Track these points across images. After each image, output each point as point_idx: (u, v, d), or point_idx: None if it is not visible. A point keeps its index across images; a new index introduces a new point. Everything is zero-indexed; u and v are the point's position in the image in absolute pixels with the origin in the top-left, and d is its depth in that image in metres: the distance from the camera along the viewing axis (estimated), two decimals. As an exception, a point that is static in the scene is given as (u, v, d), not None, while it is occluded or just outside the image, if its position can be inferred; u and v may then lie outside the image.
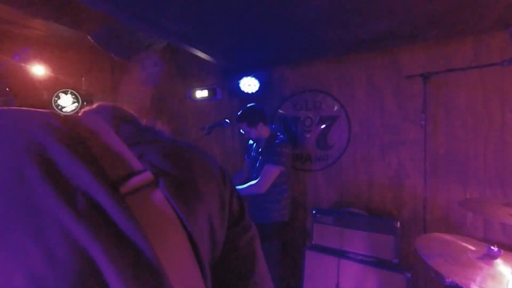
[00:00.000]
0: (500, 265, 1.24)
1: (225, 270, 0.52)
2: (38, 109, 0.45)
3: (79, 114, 0.51)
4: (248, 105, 2.30)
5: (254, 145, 2.41)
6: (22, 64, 2.65)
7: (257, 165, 2.30)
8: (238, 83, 2.78)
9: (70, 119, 0.46)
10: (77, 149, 0.38)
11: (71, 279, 0.31)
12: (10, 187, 0.34)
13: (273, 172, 2.12)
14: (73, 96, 3.15)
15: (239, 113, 2.24)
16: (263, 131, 2.26)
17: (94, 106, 0.54)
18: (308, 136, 2.67)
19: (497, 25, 1.77)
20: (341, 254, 2.06)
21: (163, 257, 0.36)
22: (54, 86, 3.02)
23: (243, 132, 2.30)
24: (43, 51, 2.87)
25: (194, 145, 0.53)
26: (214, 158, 0.55)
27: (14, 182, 0.34)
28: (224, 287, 0.51)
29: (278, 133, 2.32)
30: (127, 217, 0.36)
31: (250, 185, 2.14)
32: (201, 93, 3.12)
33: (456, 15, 1.64)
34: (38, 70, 2.77)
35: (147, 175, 0.40)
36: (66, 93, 3.12)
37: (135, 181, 0.39)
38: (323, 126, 2.59)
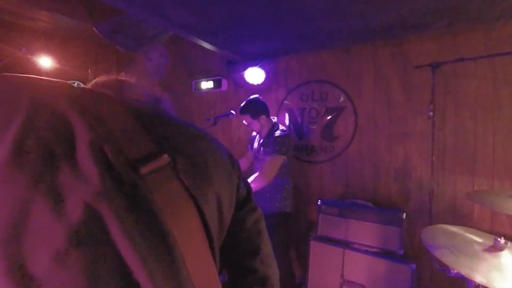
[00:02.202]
0: (506, 257, 1.24)
1: (233, 249, 0.55)
2: (58, 80, 0.46)
3: (90, 87, 0.51)
4: (251, 97, 2.30)
5: (257, 136, 2.42)
6: (29, 56, 2.67)
7: (260, 156, 2.32)
8: (243, 74, 2.76)
9: (86, 92, 0.47)
10: (97, 128, 0.39)
11: (86, 247, 0.32)
12: (35, 163, 0.34)
13: (275, 161, 2.14)
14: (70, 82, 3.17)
15: (242, 105, 2.25)
16: (266, 123, 2.27)
17: (100, 79, 0.54)
18: (313, 127, 2.65)
19: (509, 14, 1.72)
20: (346, 244, 2.07)
21: (177, 234, 0.38)
22: (61, 78, 3.04)
23: (245, 123, 2.31)
24: (49, 43, 2.88)
25: (204, 130, 0.54)
26: (223, 144, 0.56)
27: (39, 156, 0.35)
28: (232, 265, 0.54)
29: (280, 125, 2.32)
30: (146, 197, 0.37)
31: (255, 178, 2.14)
32: (207, 84, 3.12)
33: (467, 3, 1.60)
34: (45, 62, 2.79)
35: (165, 157, 0.42)
36: (72, 84, 3.14)
37: (153, 162, 0.40)
38: (329, 117, 2.57)
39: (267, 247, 0.60)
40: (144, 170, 0.39)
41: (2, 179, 0.32)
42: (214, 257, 0.43)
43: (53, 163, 0.35)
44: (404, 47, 2.21)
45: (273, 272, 0.60)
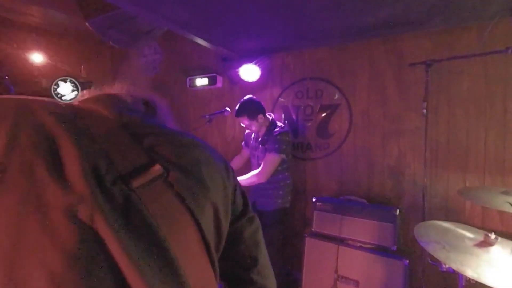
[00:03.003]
0: (497, 252, 1.26)
1: (230, 260, 0.54)
2: (41, 97, 0.45)
3: (77, 103, 0.50)
4: (245, 98, 2.27)
5: (253, 133, 2.41)
6: (20, 52, 2.63)
7: (258, 153, 2.32)
8: (238, 71, 2.75)
9: (73, 109, 0.45)
10: (85, 144, 0.38)
11: (83, 266, 0.31)
12: (19, 182, 0.33)
13: (274, 160, 2.14)
14: (73, 84, 3.13)
15: (237, 107, 2.21)
16: (264, 122, 2.26)
17: (91, 94, 0.52)
18: (308, 124, 2.66)
19: (503, 12, 1.74)
20: (340, 241, 2.09)
21: (175, 246, 0.37)
22: (53, 74, 3.00)
23: (243, 125, 2.29)
24: (41, 39, 2.84)
25: (199, 138, 0.53)
26: (218, 152, 0.55)
27: (23, 177, 0.33)
28: (229, 275, 0.54)
29: (278, 122, 2.32)
30: (140, 210, 0.36)
31: (253, 175, 2.16)
32: (201, 81, 3.11)
33: (461, 2, 1.61)
34: (37, 57, 2.75)
35: (157, 168, 0.41)
36: (65, 81, 3.10)
37: (145, 174, 0.39)
38: (324, 114, 2.58)
39: (264, 258, 0.60)
40: (136, 183, 0.38)
41: None
42: (213, 268, 0.43)
43: (40, 184, 0.33)
44: (399, 44, 2.22)
45: (271, 283, 0.60)
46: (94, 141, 0.40)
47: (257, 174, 2.15)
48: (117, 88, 0.55)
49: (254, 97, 2.30)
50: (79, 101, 0.51)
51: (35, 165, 0.34)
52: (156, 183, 0.40)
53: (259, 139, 2.30)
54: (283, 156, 2.16)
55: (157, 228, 0.36)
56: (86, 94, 0.53)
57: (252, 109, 2.20)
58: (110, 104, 0.50)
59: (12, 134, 0.35)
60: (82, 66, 3.18)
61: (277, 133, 2.18)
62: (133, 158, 0.40)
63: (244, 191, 0.60)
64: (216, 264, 0.44)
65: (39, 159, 0.35)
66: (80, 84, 3.11)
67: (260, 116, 2.21)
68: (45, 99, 0.45)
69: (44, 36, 2.86)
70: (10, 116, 0.38)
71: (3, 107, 0.40)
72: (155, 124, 0.50)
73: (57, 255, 0.30)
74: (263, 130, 2.28)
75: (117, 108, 0.50)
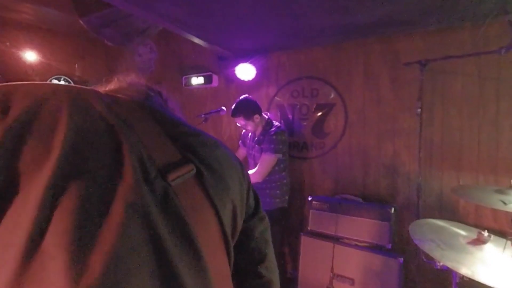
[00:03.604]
0: (490, 249, 1.28)
1: (242, 256, 0.58)
2: (85, 87, 0.46)
3: (108, 92, 0.52)
4: (241, 98, 2.26)
5: (250, 132, 2.41)
6: (13, 50, 2.59)
7: (254, 153, 2.31)
8: (234, 70, 2.74)
9: (112, 98, 0.47)
10: (130, 135, 0.41)
11: (133, 245, 0.34)
12: (85, 169, 0.35)
13: (270, 160, 2.14)
14: (67, 83, 3.10)
15: (233, 107, 2.21)
16: (260, 121, 2.26)
17: (117, 85, 0.55)
18: (304, 124, 2.67)
19: (496, 12, 1.75)
20: (336, 239, 2.10)
21: (202, 240, 0.40)
22: (47, 73, 2.96)
23: (239, 125, 2.28)
24: (34, 37, 2.80)
25: (220, 141, 0.57)
26: (233, 152, 0.59)
27: (87, 165, 0.35)
28: (238, 269, 0.57)
29: (274, 121, 2.32)
30: (175, 203, 0.40)
31: (250, 175, 2.16)
32: (197, 80, 3.09)
33: (455, 2, 1.62)
34: (30, 56, 2.71)
35: (190, 166, 0.44)
36: (59, 79, 3.07)
37: (179, 170, 0.43)
38: (319, 113, 2.59)
39: (271, 254, 0.64)
40: (171, 177, 0.41)
41: (55, 189, 0.32)
42: (229, 260, 0.47)
43: (103, 171, 0.36)
44: (394, 44, 2.23)
45: (276, 277, 0.64)
46: (134, 132, 0.42)
47: (253, 174, 2.15)
48: (133, 78, 0.58)
49: (250, 96, 2.30)
50: (110, 90, 0.54)
51: (100, 156, 0.37)
52: (188, 179, 0.43)
53: (256, 138, 2.30)
54: (279, 155, 2.16)
55: (188, 220, 0.40)
56: (114, 83, 0.56)
57: (248, 109, 2.19)
58: (137, 95, 0.53)
59: (74, 122, 0.37)
60: (76, 65, 3.14)
61: (273, 132, 2.17)
62: (169, 154, 0.44)
63: (255, 191, 0.64)
64: (232, 257, 0.48)
65: (103, 150, 0.37)
66: (74, 83, 3.08)
67: (256, 116, 2.21)
68: (87, 87, 0.47)
69: (37, 34, 2.82)
70: (66, 103, 0.39)
71: (60, 92, 0.40)
72: (181, 120, 0.54)
73: (112, 239, 0.33)
74: (260, 129, 2.27)
75: (144, 99, 0.53)
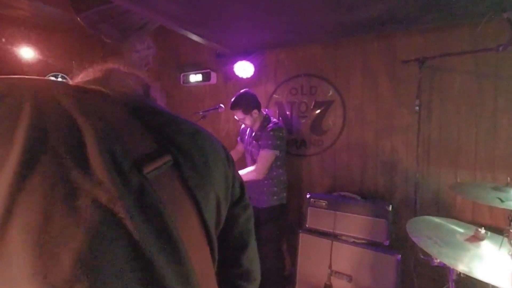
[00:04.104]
0: (486, 246, 1.29)
1: (223, 244, 0.56)
2: (55, 80, 0.45)
3: (84, 84, 0.50)
4: (242, 91, 2.26)
5: (248, 129, 2.41)
6: (9, 47, 2.56)
7: (251, 148, 2.31)
8: (232, 67, 2.73)
9: (84, 91, 0.46)
10: (101, 128, 0.39)
11: (105, 245, 0.33)
12: (49, 167, 0.34)
13: (268, 156, 2.14)
14: (64, 80, 3.08)
15: (233, 100, 2.20)
16: (258, 117, 2.25)
17: (95, 75, 0.53)
18: (303, 121, 2.66)
19: (494, 10, 1.75)
20: (334, 236, 2.11)
21: (181, 232, 0.40)
22: (43, 70, 2.94)
23: (237, 119, 2.28)
24: (30, 33, 2.77)
25: (200, 126, 0.54)
26: (218, 140, 0.57)
27: (53, 163, 0.34)
28: (223, 258, 0.56)
29: (272, 118, 2.31)
30: (152, 196, 0.39)
31: (249, 172, 2.15)
32: (195, 77, 3.08)
33: (453, -1, 1.62)
34: (26, 52, 2.68)
35: (167, 157, 0.43)
36: (56, 76, 3.04)
37: (156, 161, 0.41)
38: (318, 111, 2.59)
39: (253, 243, 0.64)
40: (147, 169, 0.39)
41: (17, 186, 0.32)
42: (212, 252, 0.46)
43: (66, 167, 0.34)
44: (392, 41, 2.23)
45: (256, 267, 0.64)
46: (108, 125, 0.40)
47: (254, 172, 2.14)
48: (110, 66, 0.55)
49: (251, 90, 2.29)
50: (84, 81, 0.51)
51: (63, 147, 0.35)
52: (165, 171, 0.42)
53: (253, 134, 2.30)
54: (277, 152, 2.16)
55: (165, 213, 0.39)
56: (89, 73, 0.53)
57: (247, 103, 2.18)
58: (115, 85, 0.50)
59: (36, 117, 0.36)
60: (73, 61, 3.12)
61: (270, 128, 2.17)
62: (145, 145, 0.42)
63: (240, 176, 0.62)
64: (215, 247, 0.47)
65: (65, 144, 0.36)
66: (72, 80, 3.05)
67: (255, 111, 2.20)
68: (56, 80, 0.46)
69: (33, 30, 2.80)
70: (29, 97, 0.37)
71: (20, 87, 0.39)
72: (161, 109, 0.51)
73: (81, 235, 0.32)
74: (257, 125, 2.27)
75: (122, 88, 0.51)
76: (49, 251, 0.31)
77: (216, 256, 0.48)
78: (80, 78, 0.53)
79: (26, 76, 0.42)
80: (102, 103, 0.44)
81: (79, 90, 0.44)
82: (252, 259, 0.62)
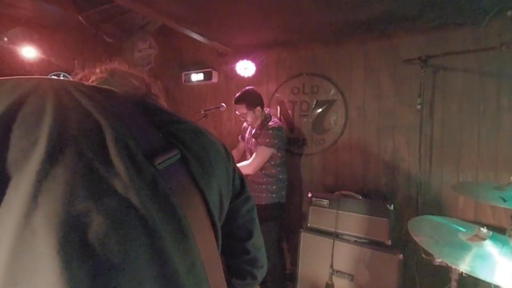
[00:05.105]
0: (489, 246, 1.28)
1: (229, 234, 0.61)
2: (69, 80, 0.49)
3: (95, 83, 0.55)
4: (248, 88, 2.29)
5: (249, 127, 2.42)
6: (11, 46, 2.57)
7: (251, 146, 2.33)
8: (234, 66, 2.73)
9: (98, 90, 0.49)
10: (117, 125, 0.42)
11: (123, 229, 0.36)
12: (72, 160, 0.36)
13: (264, 153, 2.15)
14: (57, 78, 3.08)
15: (238, 94, 2.23)
16: (260, 114, 2.26)
17: (102, 75, 0.58)
18: (304, 120, 2.66)
19: (496, 9, 1.74)
20: (336, 235, 2.11)
21: (190, 220, 0.43)
22: (46, 69, 2.94)
23: (238, 114, 2.29)
24: (32, 32, 2.78)
25: (202, 127, 0.59)
26: (218, 138, 0.62)
27: (76, 156, 0.37)
28: (226, 247, 0.60)
29: (272, 116, 2.32)
30: (163, 186, 0.42)
31: (242, 166, 2.17)
32: (197, 76, 3.08)
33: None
34: (29, 52, 2.69)
35: (175, 151, 0.47)
36: (58, 76, 3.05)
37: (164, 155, 0.45)
38: (319, 110, 2.58)
39: (258, 232, 0.68)
40: (158, 160, 0.43)
41: (44, 173, 0.34)
42: (217, 241, 0.49)
43: (87, 158, 0.37)
44: (394, 40, 2.22)
45: (262, 254, 0.69)
46: (122, 121, 0.44)
47: (245, 166, 2.16)
48: (115, 67, 0.60)
49: (256, 89, 2.31)
50: (94, 80, 0.56)
51: (84, 144, 0.38)
52: (173, 163, 0.45)
53: (253, 132, 2.31)
54: (274, 150, 2.17)
55: (175, 202, 0.42)
56: (96, 73, 0.58)
57: (252, 99, 2.21)
58: (120, 84, 0.55)
59: (58, 114, 0.38)
60: (75, 61, 3.13)
61: (269, 127, 2.20)
62: (154, 140, 0.46)
63: (240, 171, 0.67)
64: (219, 236, 0.51)
65: (86, 139, 0.39)
66: (74, 78, 3.06)
67: (258, 108, 2.22)
68: (71, 79, 0.48)
69: (36, 29, 2.80)
70: (51, 96, 0.40)
71: (41, 87, 0.42)
72: (164, 108, 0.56)
73: (101, 220, 0.34)
74: (258, 123, 2.28)
75: (127, 88, 0.55)
76: (70, 234, 0.32)
77: (220, 243, 0.51)
78: (83, 77, 0.57)
79: (45, 77, 0.46)
80: (114, 101, 0.48)
81: (94, 90, 0.48)
82: (258, 247, 0.67)
